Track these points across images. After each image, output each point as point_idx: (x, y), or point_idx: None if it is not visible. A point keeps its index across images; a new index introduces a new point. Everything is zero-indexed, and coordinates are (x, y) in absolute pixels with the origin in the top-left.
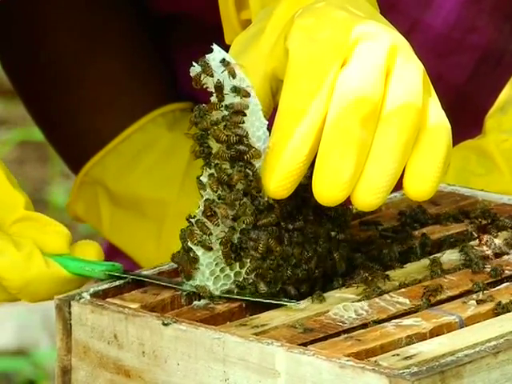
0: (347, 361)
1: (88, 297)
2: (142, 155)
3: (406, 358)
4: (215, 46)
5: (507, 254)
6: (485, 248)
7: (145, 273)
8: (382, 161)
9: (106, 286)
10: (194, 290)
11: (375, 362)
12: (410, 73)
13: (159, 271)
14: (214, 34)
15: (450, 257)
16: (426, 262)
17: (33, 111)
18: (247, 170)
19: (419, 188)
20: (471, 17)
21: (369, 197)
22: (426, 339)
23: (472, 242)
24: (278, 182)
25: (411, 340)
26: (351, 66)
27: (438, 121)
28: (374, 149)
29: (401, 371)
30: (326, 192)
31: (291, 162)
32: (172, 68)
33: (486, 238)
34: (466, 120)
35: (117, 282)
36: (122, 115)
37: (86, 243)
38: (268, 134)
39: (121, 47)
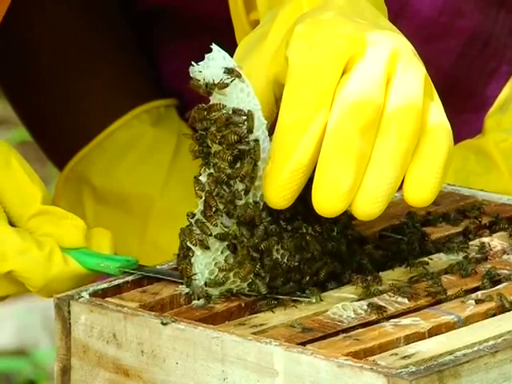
0: (345, 360)
1: (87, 296)
2: (127, 151)
3: (404, 358)
4: (214, 46)
5: (507, 253)
6: (483, 248)
7: (158, 268)
8: (381, 170)
9: (105, 285)
10: (191, 290)
11: (373, 361)
12: (410, 79)
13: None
14: (197, 31)
15: (450, 256)
16: (425, 261)
17: (18, 108)
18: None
19: (419, 195)
20: (458, 1)
21: (368, 206)
22: (424, 339)
23: (471, 242)
24: (278, 192)
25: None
26: (351, 75)
27: (439, 126)
28: (374, 158)
29: (399, 371)
30: (326, 203)
31: (290, 173)
32: (156, 64)
33: (485, 237)
34: (454, 104)
35: (116, 282)
36: (106, 111)
37: (99, 233)
38: (267, 133)
39: (105, 44)
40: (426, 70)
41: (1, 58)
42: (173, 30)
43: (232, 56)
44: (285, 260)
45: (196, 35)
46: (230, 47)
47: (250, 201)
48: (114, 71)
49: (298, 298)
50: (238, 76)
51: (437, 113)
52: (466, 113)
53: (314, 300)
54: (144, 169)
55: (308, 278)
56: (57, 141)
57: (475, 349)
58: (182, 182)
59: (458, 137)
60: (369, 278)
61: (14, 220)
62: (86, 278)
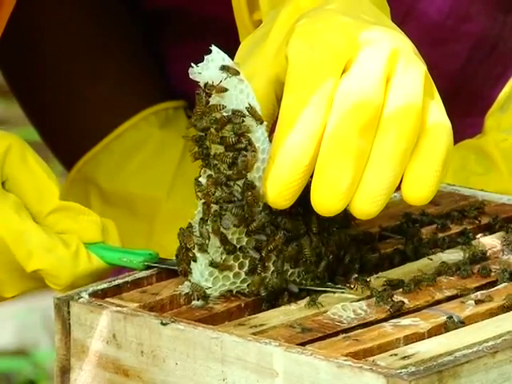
0: (345, 360)
1: (87, 296)
2: (134, 153)
3: (403, 358)
4: (214, 47)
5: (506, 254)
6: (483, 248)
7: None
8: (379, 169)
9: (105, 285)
10: (191, 290)
11: (373, 361)
12: (410, 78)
13: (158, 271)
14: (205, 32)
15: (450, 257)
16: (425, 261)
17: (27, 109)
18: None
19: (417, 193)
20: (465, 5)
21: (366, 205)
22: (424, 339)
23: (471, 242)
24: (278, 192)
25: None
26: (351, 74)
27: (438, 124)
28: (373, 157)
29: (398, 371)
30: (324, 202)
31: (291, 173)
32: (164, 66)
33: (484, 237)
34: (460, 108)
35: (116, 282)
36: (114, 113)
37: (109, 226)
38: (266, 134)
39: (113, 45)
40: (433, 73)
41: (9, 59)
42: (181, 31)
43: (234, 56)
44: (285, 260)
45: (204, 37)
46: (238, 49)
47: (250, 202)
48: (122, 73)
49: (329, 289)
50: (235, 74)
51: (436, 111)
52: (472, 116)
53: (346, 291)
54: (151, 171)
55: (308, 277)
56: (64, 141)
57: (475, 349)
58: (189, 184)
59: (464, 140)
60: (358, 279)
61: (32, 216)
62: (105, 272)
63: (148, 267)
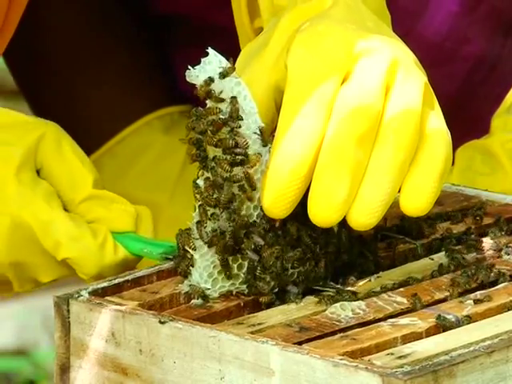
0: (341, 360)
1: (86, 295)
2: (137, 158)
3: (399, 358)
4: (211, 50)
5: (506, 254)
6: (484, 248)
7: None
8: (377, 181)
9: (105, 284)
10: (191, 290)
11: (369, 361)
12: (409, 89)
13: (159, 270)
14: (212, 37)
15: (451, 256)
16: (426, 261)
17: (32, 111)
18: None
19: (414, 204)
20: (463, 28)
21: (363, 217)
22: (421, 339)
23: (473, 242)
24: (276, 202)
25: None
26: (350, 84)
27: (437, 135)
28: (370, 168)
29: (394, 370)
30: (321, 213)
31: (289, 183)
32: (171, 70)
33: (485, 237)
34: (460, 129)
35: (116, 281)
36: (118, 117)
37: (143, 214)
38: (264, 136)
39: (119, 49)
40: None
41: (15, 62)
42: (187, 36)
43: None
44: (283, 262)
45: (209, 41)
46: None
47: (248, 204)
48: (126, 77)
49: (329, 289)
50: (231, 72)
51: (436, 122)
52: (471, 137)
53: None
54: (153, 176)
55: (309, 277)
56: None
57: (471, 349)
58: (191, 190)
59: None
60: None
61: (65, 204)
62: (133, 263)
63: (167, 259)
